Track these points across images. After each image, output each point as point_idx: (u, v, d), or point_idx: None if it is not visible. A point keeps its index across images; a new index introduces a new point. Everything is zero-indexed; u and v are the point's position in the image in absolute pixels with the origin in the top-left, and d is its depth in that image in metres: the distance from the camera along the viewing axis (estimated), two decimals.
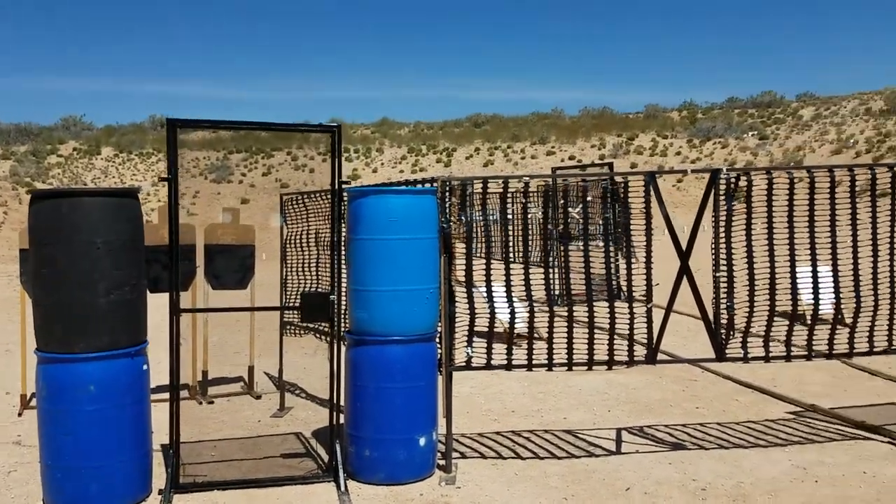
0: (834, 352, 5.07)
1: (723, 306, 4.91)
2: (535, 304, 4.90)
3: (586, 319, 4.87)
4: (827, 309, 5.34)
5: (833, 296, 5.22)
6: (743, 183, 4.89)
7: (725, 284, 4.90)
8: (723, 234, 4.87)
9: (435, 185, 4.94)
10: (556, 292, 5.50)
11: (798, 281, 5.11)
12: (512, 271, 4.90)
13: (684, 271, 4.89)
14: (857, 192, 4.95)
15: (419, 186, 5.72)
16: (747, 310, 4.94)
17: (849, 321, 5.08)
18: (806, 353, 5.10)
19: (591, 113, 50.80)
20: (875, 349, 5.04)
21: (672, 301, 4.84)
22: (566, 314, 4.86)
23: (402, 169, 41.19)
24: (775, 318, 5.00)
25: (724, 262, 4.89)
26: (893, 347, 5.02)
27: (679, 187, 33.06)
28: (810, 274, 5.07)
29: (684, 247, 4.86)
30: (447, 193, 4.84)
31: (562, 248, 5.16)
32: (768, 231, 4.93)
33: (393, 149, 44.43)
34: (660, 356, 5.02)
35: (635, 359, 4.91)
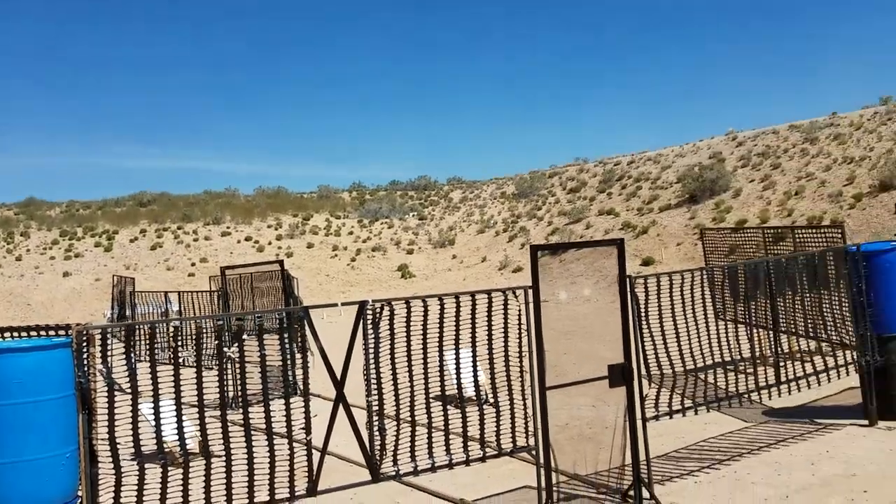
0: (473, 457, 5.72)
1: (375, 428, 5.26)
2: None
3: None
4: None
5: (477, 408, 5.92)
6: (386, 312, 5.37)
7: (377, 407, 5.27)
8: (372, 360, 5.26)
9: (69, 333, 4.53)
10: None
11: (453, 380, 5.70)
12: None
13: (340, 400, 5.15)
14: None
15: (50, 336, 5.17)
16: (407, 429, 5.36)
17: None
18: (446, 460, 5.68)
19: (267, 192, 51.09)
20: (503, 451, 5.81)
21: (329, 431, 5.04)
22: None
23: (54, 255, 36.61)
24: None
25: (376, 387, 5.27)
26: (517, 447, 5.83)
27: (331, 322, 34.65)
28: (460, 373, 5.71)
29: (339, 375, 5.14)
30: (85, 343, 4.47)
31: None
32: (426, 350, 5.46)
33: (42, 232, 39.35)
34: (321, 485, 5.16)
35: (296, 493, 4.98)
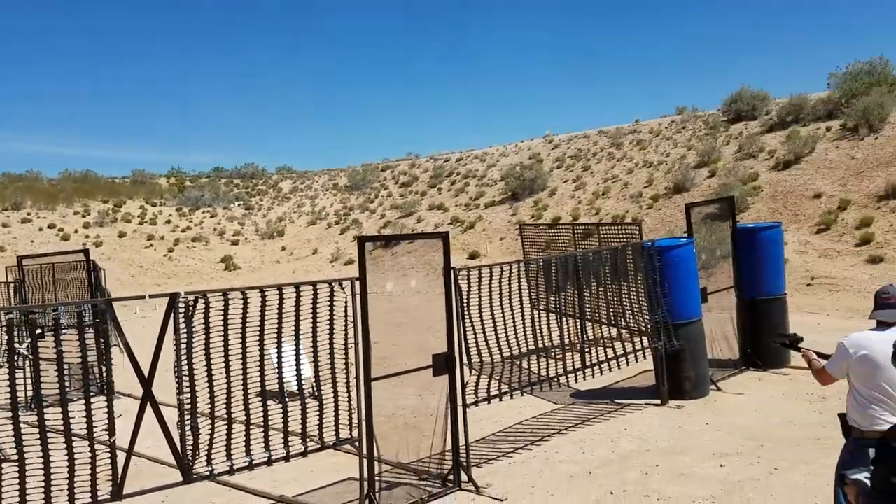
0: (294, 452, 5.63)
1: (188, 428, 5.01)
2: None
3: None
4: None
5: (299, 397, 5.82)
6: (201, 305, 5.12)
7: (189, 406, 5.02)
8: (185, 356, 5.01)
9: None
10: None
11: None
12: None
13: (147, 398, 4.85)
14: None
15: None
16: (224, 427, 5.15)
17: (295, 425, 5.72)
18: (265, 457, 5.55)
19: (73, 176, 46.66)
20: (326, 444, 5.77)
21: (136, 432, 4.73)
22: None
23: None
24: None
25: (188, 384, 5.02)
26: (341, 440, 5.82)
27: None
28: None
29: (146, 373, 4.83)
30: None
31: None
32: (239, 344, 5.26)
33: None
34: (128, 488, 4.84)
35: (99, 498, 4.63)
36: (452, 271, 6.44)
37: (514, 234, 26.21)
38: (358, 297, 5.73)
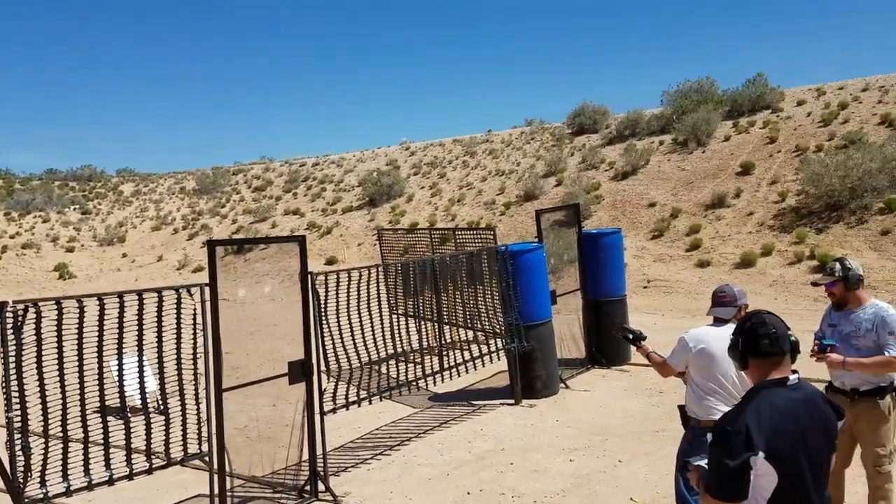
0: (138, 470, 5.27)
1: (18, 448, 4.56)
2: None
3: None
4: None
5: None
6: (32, 315, 4.69)
7: (20, 424, 4.57)
8: (14, 371, 4.55)
9: None
10: None
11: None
12: None
13: None
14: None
15: None
16: (59, 445, 4.72)
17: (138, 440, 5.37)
18: (106, 476, 5.16)
19: None
20: (172, 461, 5.45)
21: None
22: None
23: None
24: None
25: (18, 401, 4.57)
26: (189, 455, 5.51)
27: None
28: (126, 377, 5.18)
29: None
30: None
31: None
32: (77, 355, 4.84)
33: None
34: None
35: None
36: (310, 276, 6.31)
37: (372, 240, 26.17)
38: (208, 304, 5.47)
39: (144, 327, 5.33)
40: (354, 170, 37.44)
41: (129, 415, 5.31)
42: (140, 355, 5.33)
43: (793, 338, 2.87)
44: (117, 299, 5.16)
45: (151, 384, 5.94)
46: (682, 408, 4.48)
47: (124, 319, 5.22)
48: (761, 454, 2.62)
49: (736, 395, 4.24)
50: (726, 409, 4.24)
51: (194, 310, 5.53)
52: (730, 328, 4.36)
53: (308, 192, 35.69)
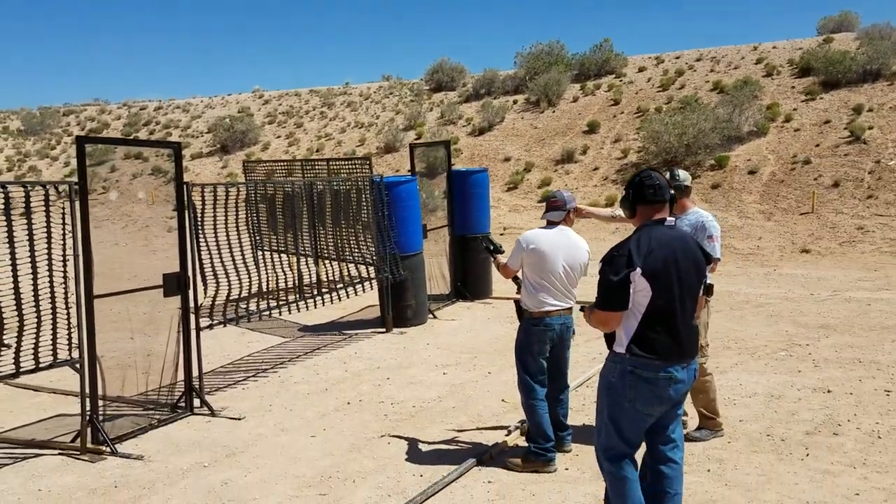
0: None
1: None
2: None
3: None
4: None
5: None
6: None
7: None
8: None
9: None
10: None
11: None
12: None
13: None
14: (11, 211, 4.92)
15: None
16: None
17: (10, 341, 5.00)
18: None
19: None
20: (41, 365, 5.12)
21: None
22: None
23: None
24: None
25: None
26: (58, 361, 5.20)
27: None
28: None
29: None
30: None
31: None
32: None
33: None
34: None
35: None
36: (185, 185, 6.07)
37: None
38: (77, 204, 5.13)
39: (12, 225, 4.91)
40: (202, 115, 35.55)
41: None
42: (12, 253, 4.89)
43: (673, 189, 3.43)
44: None
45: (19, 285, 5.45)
46: (517, 302, 4.84)
47: None
48: (639, 269, 3.13)
49: (563, 289, 4.68)
50: (556, 301, 4.67)
51: (63, 209, 5.16)
52: (560, 230, 4.79)
53: (151, 137, 33.44)
